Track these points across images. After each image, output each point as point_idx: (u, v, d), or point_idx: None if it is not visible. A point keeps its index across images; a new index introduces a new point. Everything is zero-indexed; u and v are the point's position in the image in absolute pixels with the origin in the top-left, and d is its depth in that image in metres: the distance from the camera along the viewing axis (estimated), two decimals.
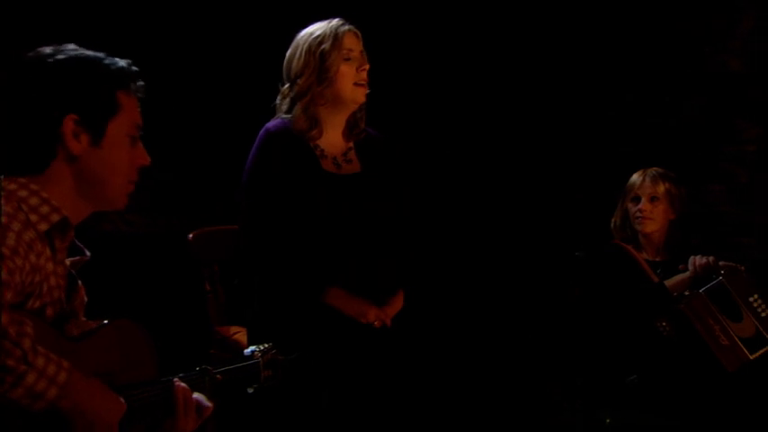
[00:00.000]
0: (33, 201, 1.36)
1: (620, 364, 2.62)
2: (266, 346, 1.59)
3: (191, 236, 2.53)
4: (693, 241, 2.78)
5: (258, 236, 2.31)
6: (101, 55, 1.45)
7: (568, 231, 3.16)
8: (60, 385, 1.24)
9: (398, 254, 2.41)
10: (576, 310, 2.59)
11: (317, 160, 2.36)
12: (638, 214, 2.80)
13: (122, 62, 1.47)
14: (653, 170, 2.84)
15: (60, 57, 1.41)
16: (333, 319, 2.29)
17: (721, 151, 3.37)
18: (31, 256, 1.31)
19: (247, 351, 1.58)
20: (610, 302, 2.63)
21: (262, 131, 2.38)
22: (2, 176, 1.27)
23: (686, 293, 2.53)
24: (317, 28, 2.37)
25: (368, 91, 2.37)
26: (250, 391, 1.56)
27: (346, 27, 2.36)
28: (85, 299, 1.47)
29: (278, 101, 2.42)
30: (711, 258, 2.62)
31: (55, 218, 1.37)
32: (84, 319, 1.44)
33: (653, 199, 2.79)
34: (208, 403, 1.44)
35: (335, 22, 2.37)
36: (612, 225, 2.89)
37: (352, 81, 2.34)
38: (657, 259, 2.80)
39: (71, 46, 1.44)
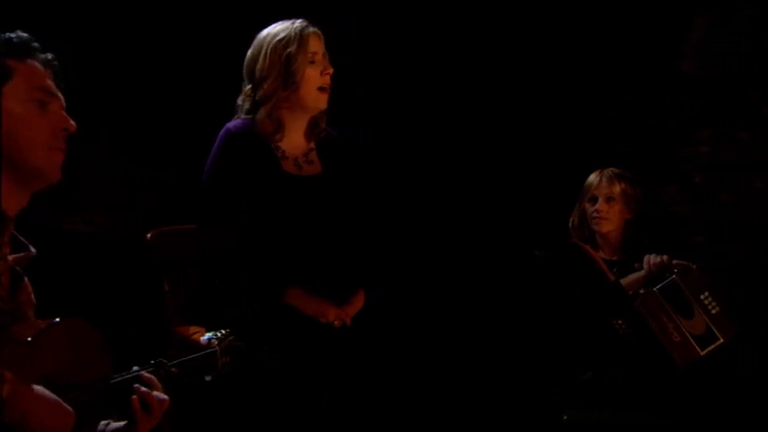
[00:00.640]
0: None
1: (577, 362, 2.67)
2: (223, 332, 1.59)
3: (149, 235, 2.52)
4: (645, 240, 2.83)
5: (217, 236, 2.30)
6: None
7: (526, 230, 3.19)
8: (3, 399, 1.21)
9: (359, 254, 2.42)
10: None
11: (278, 162, 2.36)
12: (595, 215, 2.85)
13: (14, 34, 1.43)
14: (609, 170, 2.88)
15: None
16: (294, 319, 2.29)
17: (678, 152, 3.45)
18: None
19: (204, 338, 1.58)
20: (567, 301, 2.67)
21: (222, 131, 2.37)
22: None
23: (641, 292, 2.57)
24: (280, 29, 2.34)
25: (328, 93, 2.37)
26: (208, 379, 1.56)
27: (311, 29, 2.35)
28: (34, 298, 1.44)
29: (239, 100, 2.41)
30: (665, 257, 2.68)
31: None
32: (34, 319, 1.42)
33: (609, 199, 2.84)
34: (164, 397, 1.43)
35: (299, 23, 2.35)
36: (571, 224, 2.94)
37: (316, 85, 2.33)
38: (614, 258, 2.85)
39: None
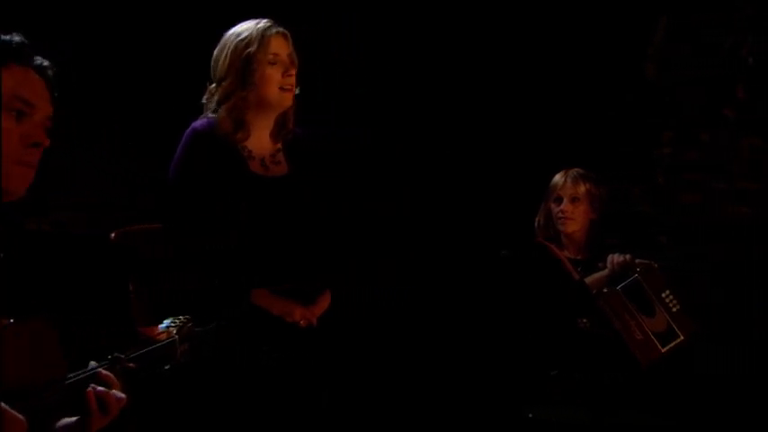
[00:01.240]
0: None
1: (543, 360, 2.70)
2: (182, 319, 1.57)
3: (113, 235, 2.50)
4: (609, 240, 2.87)
5: (183, 236, 2.29)
6: None
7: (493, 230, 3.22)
8: None
9: (326, 254, 2.43)
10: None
11: (245, 162, 2.35)
12: (561, 215, 2.88)
13: (6, 37, 1.37)
14: (574, 171, 2.92)
15: None
16: (261, 319, 2.29)
17: (642, 154, 3.50)
18: None
19: (162, 326, 1.56)
20: (533, 299, 2.70)
21: (188, 130, 2.36)
22: None
23: (604, 290, 2.61)
24: (244, 29, 2.34)
25: (296, 93, 2.37)
26: (167, 368, 1.54)
27: (274, 30, 2.34)
28: None
29: (205, 99, 2.40)
30: (628, 256, 2.71)
31: None
32: None
33: (574, 200, 2.88)
34: (121, 395, 1.40)
35: (263, 23, 2.34)
36: (536, 224, 2.97)
37: (277, 85, 2.33)
38: (578, 258, 2.88)
39: None
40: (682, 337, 2.54)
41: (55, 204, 3.05)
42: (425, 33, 3.39)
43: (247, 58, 2.29)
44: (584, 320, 2.65)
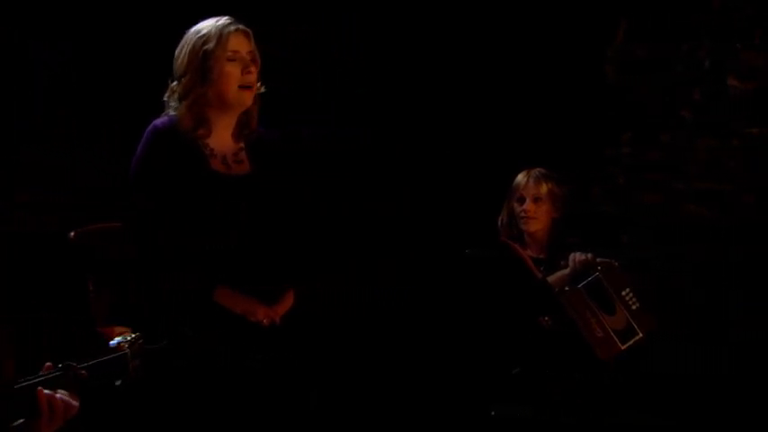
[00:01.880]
0: None
1: (505, 358, 2.71)
2: (133, 336, 1.55)
3: (72, 234, 2.47)
4: (570, 240, 2.90)
5: (144, 235, 2.27)
6: None
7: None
8: None
9: (289, 253, 2.42)
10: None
11: (206, 159, 2.33)
12: (523, 214, 2.90)
13: None
14: (536, 171, 2.94)
15: None
16: (223, 318, 2.28)
17: (602, 154, 3.54)
18: None
19: (113, 342, 1.54)
20: (496, 298, 2.72)
21: (149, 128, 2.34)
22: None
23: (566, 289, 2.64)
24: (204, 26, 2.33)
25: (258, 92, 2.36)
26: (118, 383, 1.52)
27: (233, 27, 2.33)
28: None
29: (166, 97, 2.38)
30: (590, 255, 2.74)
31: None
32: None
33: (536, 199, 2.90)
34: (74, 402, 1.38)
35: (223, 20, 2.33)
36: (499, 223, 2.99)
37: (236, 83, 2.31)
38: (541, 256, 2.91)
39: None
40: (641, 335, 2.58)
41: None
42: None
43: (205, 55, 2.28)
44: (547, 318, 2.67)
